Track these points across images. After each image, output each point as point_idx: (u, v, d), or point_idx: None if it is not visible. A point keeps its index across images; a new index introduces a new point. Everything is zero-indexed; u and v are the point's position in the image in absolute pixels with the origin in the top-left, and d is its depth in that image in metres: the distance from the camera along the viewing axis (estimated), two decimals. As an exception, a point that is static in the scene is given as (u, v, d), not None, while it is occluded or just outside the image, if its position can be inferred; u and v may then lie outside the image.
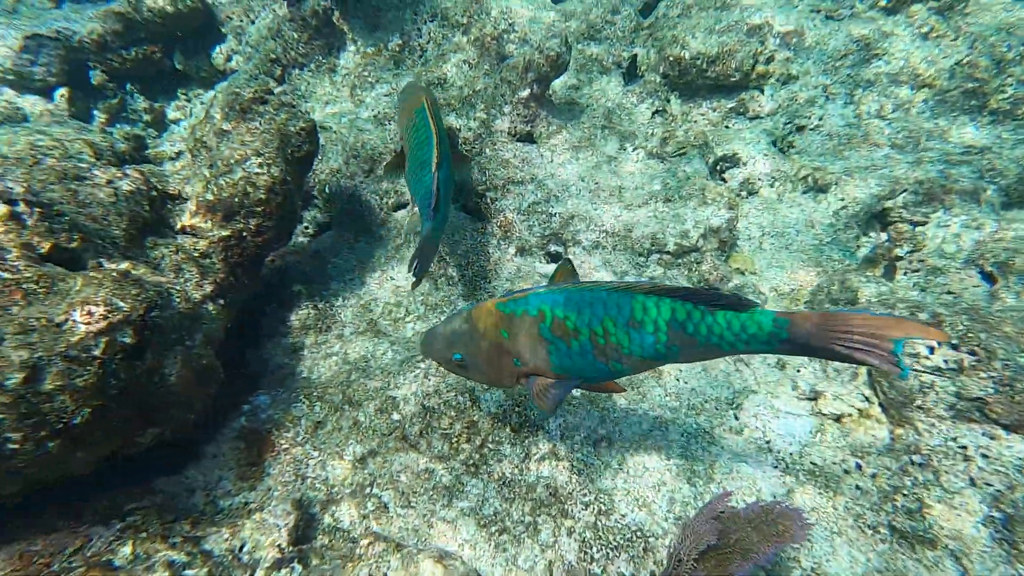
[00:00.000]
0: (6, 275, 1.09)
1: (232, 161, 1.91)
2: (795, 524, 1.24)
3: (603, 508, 1.51)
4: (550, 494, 1.56)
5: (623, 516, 1.48)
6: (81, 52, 2.71)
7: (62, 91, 2.71)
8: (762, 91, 2.77)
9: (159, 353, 1.34)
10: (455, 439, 1.73)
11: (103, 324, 1.16)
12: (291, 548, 1.49)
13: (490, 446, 1.71)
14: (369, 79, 3.09)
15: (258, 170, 1.94)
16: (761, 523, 1.29)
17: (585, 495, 1.55)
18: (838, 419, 1.68)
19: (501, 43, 3.02)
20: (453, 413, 1.78)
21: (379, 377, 1.92)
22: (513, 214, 2.65)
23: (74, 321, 1.13)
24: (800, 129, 2.63)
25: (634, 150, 2.79)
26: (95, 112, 2.91)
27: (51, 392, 1.06)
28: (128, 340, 1.22)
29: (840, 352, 1.10)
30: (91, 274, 1.23)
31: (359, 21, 3.13)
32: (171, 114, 3.20)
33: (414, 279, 1.87)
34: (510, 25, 3.07)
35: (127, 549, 1.29)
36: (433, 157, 1.86)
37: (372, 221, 2.84)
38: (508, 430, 1.73)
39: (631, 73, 3.10)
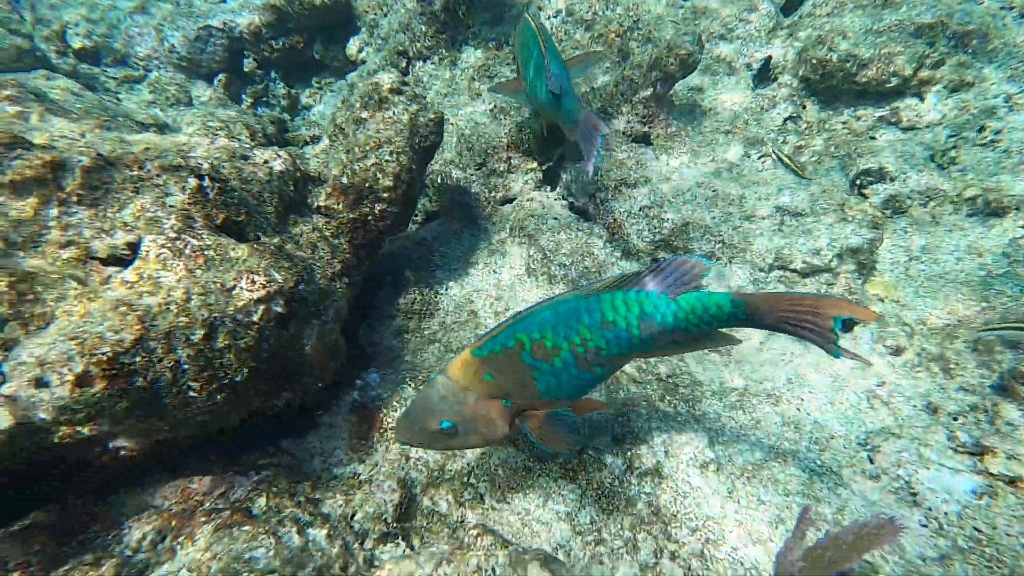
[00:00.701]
0: (194, 241, 1.23)
1: (367, 148, 2.03)
2: (889, 530, 1.12)
3: (711, 537, 1.44)
4: (652, 512, 1.51)
5: (735, 550, 1.40)
6: (240, 42, 3.01)
7: (221, 77, 3.03)
8: (922, 99, 2.48)
9: (300, 324, 1.46)
10: (555, 441, 1.72)
11: (262, 293, 1.28)
12: (395, 524, 1.57)
13: (590, 453, 1.69)
14: (488, 73, 3.15)
15: (388, 158, 2.04)
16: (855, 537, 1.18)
17: (691, 520, 1.49)
18: (1012, 482, 1.47)
19: (625, 40, 2.95)
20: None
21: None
22: (623, 216, 2.59)
23: (240, 288, 1.25)
24: (967, 143, 2.33)
25: (760, 158, 2.62)
26: (244, 96, 3.22)
27: (221, 349, 1.18)
28: (279, 309, 1.34)
29: (788, 328, 1.23)
30: (254, 246, 1.36)
31: (484, 15, 3.19)
32: (304, 100, 3.47)
33: (585, 168, 1.95)
34: (635, 22, 2.99)
35: (262, 500, 1.42)
36: (544, 57, 1.94)
37: (479, 214, 2.91)
38: (609, 439, 1.70)
39: (763, 75, 2.90)
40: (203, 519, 1.36)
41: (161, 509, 1.42)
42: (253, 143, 1.95)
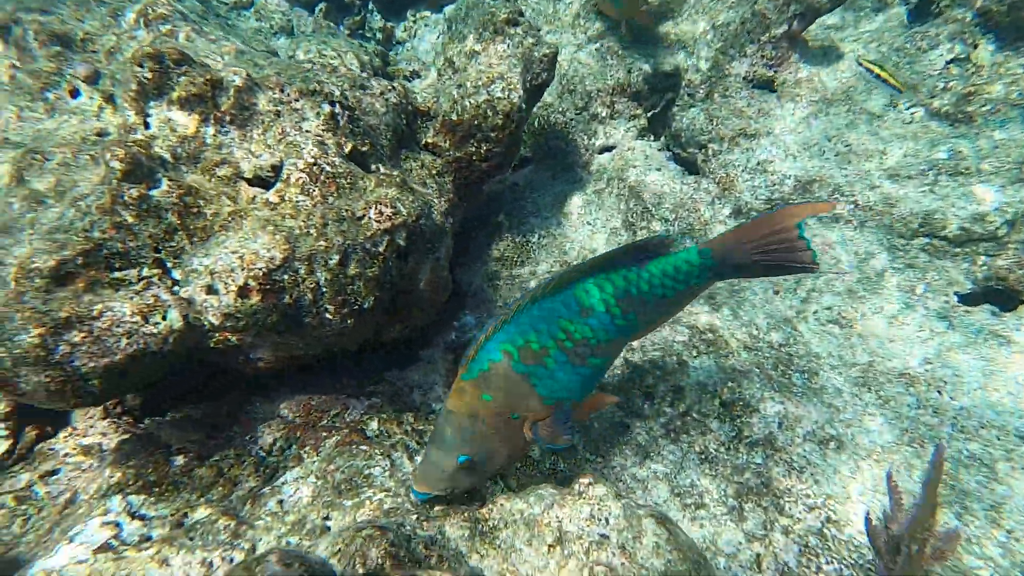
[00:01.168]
0: (328, 168, 1.27)
1: (479, 84, 1.99)
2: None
3: (833, 517, 1.39)
4: (762, 483, 1.48)
5: (863, 533, 1.35)
6: (341, -31, 3.00)
7: (322, 6, 3.05)
8: None
9: (417, 259, 1.49)
10: (657, 401, 1.71)
11: (388, 224, 1.31)
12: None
13: (694, 416, 1.66)
14: (594, 11, 2.97)
15: (500, 95, 1.99)
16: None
17: (809, 497, 1.44)
18: None
19: (758, -32, 2.65)
20: (658, 372, 1.75)
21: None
22: (737, 171, 2.43)
23: (369, 218, 1.29)
24: None
25: (910, 107, 2.33)
26: (341, 27, 3.24)
27: (353, 277, 1.24)
28: (402, 242, 1.37)
29: (764, 263, 1.20)
30: (380, 176, 1.39)
31: (596, -59, 2.97)
32: (399, 34, 3.44)
33: None
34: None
35: (375, 424, 1.52)
36: None
37: (575, 161, 2.82)
38: (717, 403, 1.66)
39: (922, 10, 2.54)
40: (324, 434, 1.48)
41: (287, 420, 1.56)
42: (362, 73, 1.96)
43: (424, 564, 0.88)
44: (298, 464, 1.40)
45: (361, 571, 0.79)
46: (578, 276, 1.23)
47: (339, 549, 0.90)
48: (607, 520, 1.07)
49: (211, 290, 1.07)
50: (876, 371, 1.73)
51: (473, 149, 2.00)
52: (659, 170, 2.64)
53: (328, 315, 1.19)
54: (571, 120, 2.87)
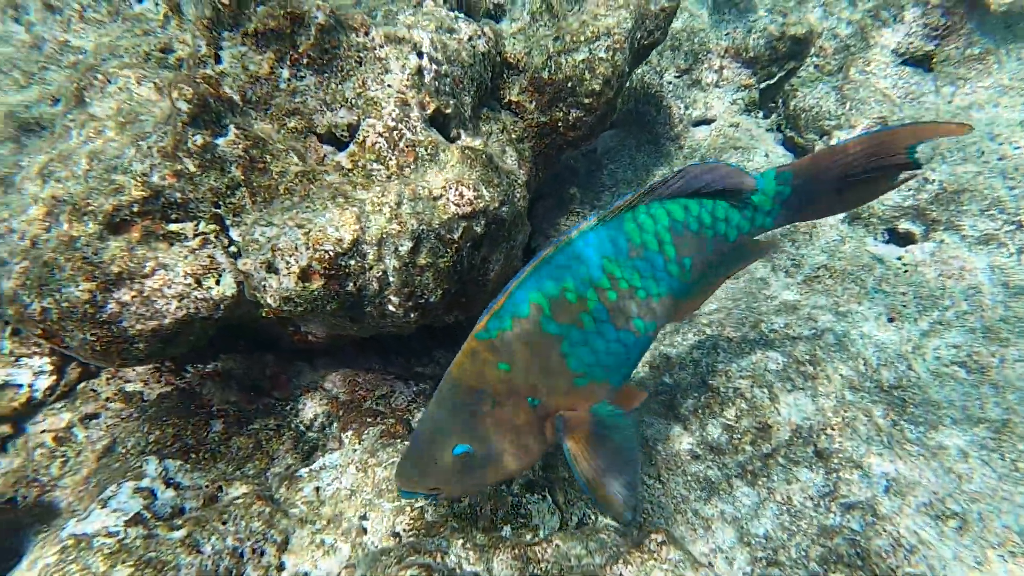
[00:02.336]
0: (408, 134, 1.16)
1: (580, 38, 1.79)
2: None
3: (942, 614, 1.26)
4: (856, 555, 1.35)
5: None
6: None
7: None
8: None
9: (491, 248, 1.38)
10: (738, 436, 1.58)
11: (468, 209, 1.20)
12: (540, 472, 1.58)
13: (780, 460, 1.52)
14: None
15: (603, 55, 1.80)
16: None
17: (915, 582, 1.30)
18: None
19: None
20: (744, 405, 1.61)
21: (669, 331, 1.82)
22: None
23: (448, 200, 1.18)
24: None
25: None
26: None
27: (423, 267, 1.15)
28: (479, 230, 1.26)
29: (852, 191, 1.06)
30: (465, 151, 1.26)
31: None
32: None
33: None
34: None
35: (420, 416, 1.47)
36: None
37: (663, 132, 2.60)
38: (811, 451, 1.51)
39: None
40: (368, 419, 1.44)
41: (330, 394, 1.54)
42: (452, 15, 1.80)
43: (473, 614, 0.82)
44: (338, 448, 1.37)
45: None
46: (632, 204, 1.01)
47: (382, 582, 0.85)
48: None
49: (271, 267, 1.00)
50: (1014, 434, 1.53)
51: (561, 115, 1.83)
52: (766, 156, 2.40)
53: (391, 307, 1.11)
54: (668, 83, 2.63)
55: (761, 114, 2.70)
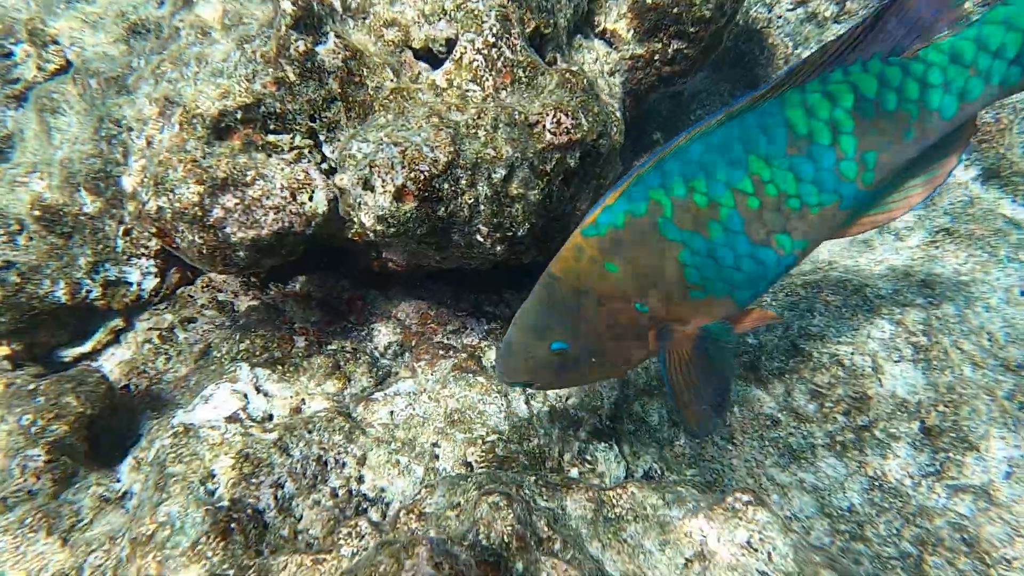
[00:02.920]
0: (508, 53, 1.10)
1: (696, -45, 1.62)
2: None
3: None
4: (961, 540, 1.26)
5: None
6: None
7: None
8: None
9: (581, 184, 1.32)
10: (829, 404, 1.49)
11: (564, 139, 1.14)
12: (608, 423, 1.57)
13: (878, 434, 1.43)
14: None
15: (719, -24, 1.62)
16: None
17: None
18: None
19: None
20: (840, 372, 1.51)
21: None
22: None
23: (544, 127, 1.12)
24: None
25: None
26: None
27: (514, 198, 1.11)
28: (572, 163, 1.20)
29: None
30: (565, 74, 1.19)
31: None
32: None
33: None
34: None
35: (492, 354, 1.48)
36: None
37: (765, 75, 2.37)
38: (916, 426, 1.41)
39: None
40: (441, 352, 1.47)
41: (403, 324, 1.57)
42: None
43: (546, 547, 0.83)
44: (411, 376, 1.41)
45: (485, 543, 0.75)
46: (803, 76, 0.79)
47: (459, 505, 0.87)
48: (770, 556, 0.94)
49: (367, 184, 1.00)
50: None
51: (660, 46, 1.69)
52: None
53: (479, 236, 1.09)
54: (778, 17, 2.37)
55: (891, 54, 2.40)
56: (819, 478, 1.44)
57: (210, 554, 0.84)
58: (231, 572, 0.82)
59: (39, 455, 0.99)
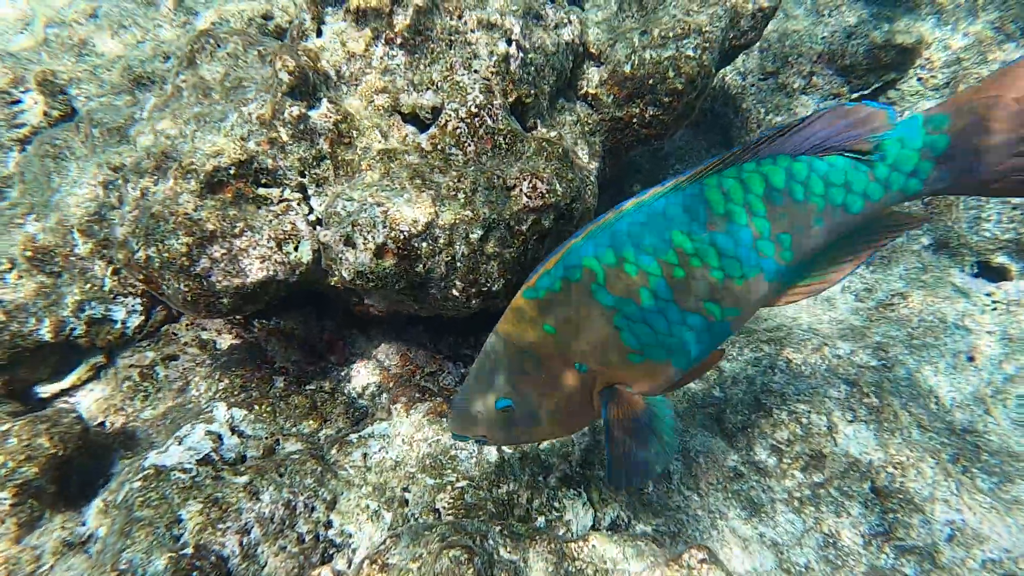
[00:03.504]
0: (489, 122, 1.16)
1: (669, 34, 1.73)
2: None
3: None
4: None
5: None
6: None
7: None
8: None
9: (555, 241, 1.38)
10: (788, 460, 1.53)
11: (539, 203, 1.20)
12: (578, 469, 1.58)
13: (832, 492, 1.46)
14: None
15: (691, 52, 1.73)
16: None
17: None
18: None
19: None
20: (798, 430, 1.55)
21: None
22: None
23: (521, 191, 1.18)
24: None
25: None
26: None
27: (489, 256, 1.16)
28: (548, 224, 1.26)
29: None
30: (542, 142, 1.26)
31: None
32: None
33: None
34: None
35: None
36: None
37: (739, 136, 2.50)
38: (867, 486, 1.44)
39: None
40: (417, 395, 1.48)
41: (383, 365, 1.59)
42: None
43: (507, 601, 0.84)
44: (387, 419, 1.42)
45: (445, 597, 0.76)
46: (720, 166, 0.85)
47: (421, 556, 0.88)
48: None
49: (349, 241, 1.04)
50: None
51: (637, 111, 1.78)
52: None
53: (455, 291, 1.13)
54: (751, 85, 2.51)
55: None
56: (778, 533, 1.46)
57: (170, 602, 0.83)
58: (190, 621, 0.82)
59: (5, 498, 0.97)
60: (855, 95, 2.46)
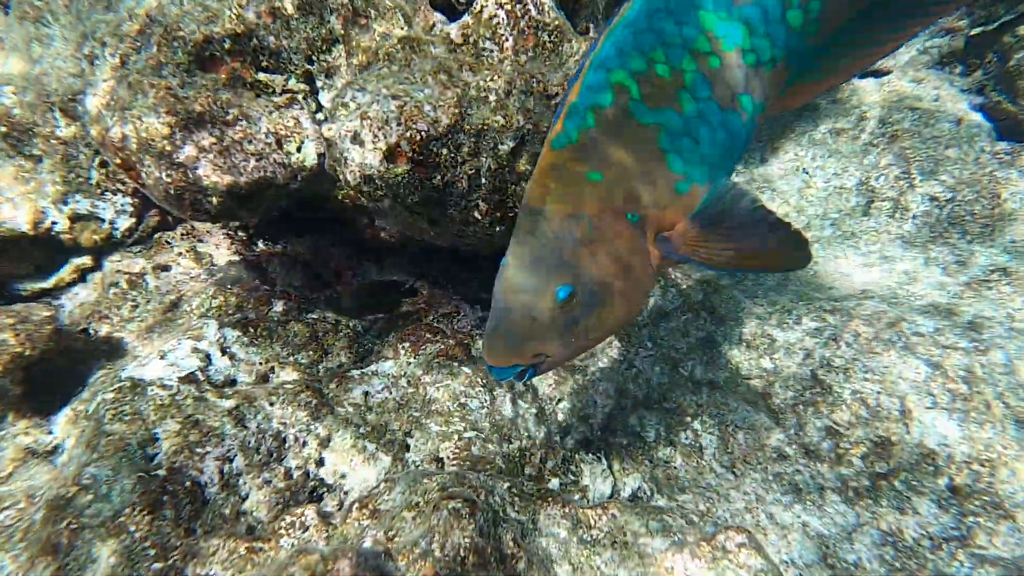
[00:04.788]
0: (534, 12, 1.02)
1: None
2: None
3: None
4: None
5: None
6: None
7: None
8: None
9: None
10: (846, 445, 1.41)
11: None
12: (599, 432, 1.52)
13: (896, 485, 1.35)
14: None
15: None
16: None
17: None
18: None
19: None
20: (863, 412, 1.43)
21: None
22: None
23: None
24: None
25: None
26: None
27: (520, 174, 1.04)
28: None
29: None
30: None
31: None
32: None
33: None
34: None
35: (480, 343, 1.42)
36: None
37: None
38: (943, 483, 1.32)
39: None
40: (428, 335, 1.41)
41: (391, 300, 1.52)
42: None
43: (509, 566, 0.78)
44: (394, 358, 1.35)
45: (438, 553, 0.69)
46: None
47: (417, 505, 0.82)
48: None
49: (356, 138, 0.94)
50: None
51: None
52: (950, 122, 2.03)
53: (477, 213, 1.02)
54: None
55: (959, 69, 2.29)
56: (825, 524, 1.37)
57: (132, 528, 0.79)
58: (152, 551, 0.78)
59: None
60: (975, 30, 2.19)
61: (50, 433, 1.03)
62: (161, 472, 0.89)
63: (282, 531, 0.83)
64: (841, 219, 2.00)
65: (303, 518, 0.85)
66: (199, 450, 0.95)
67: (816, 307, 1.70)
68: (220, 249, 1.52)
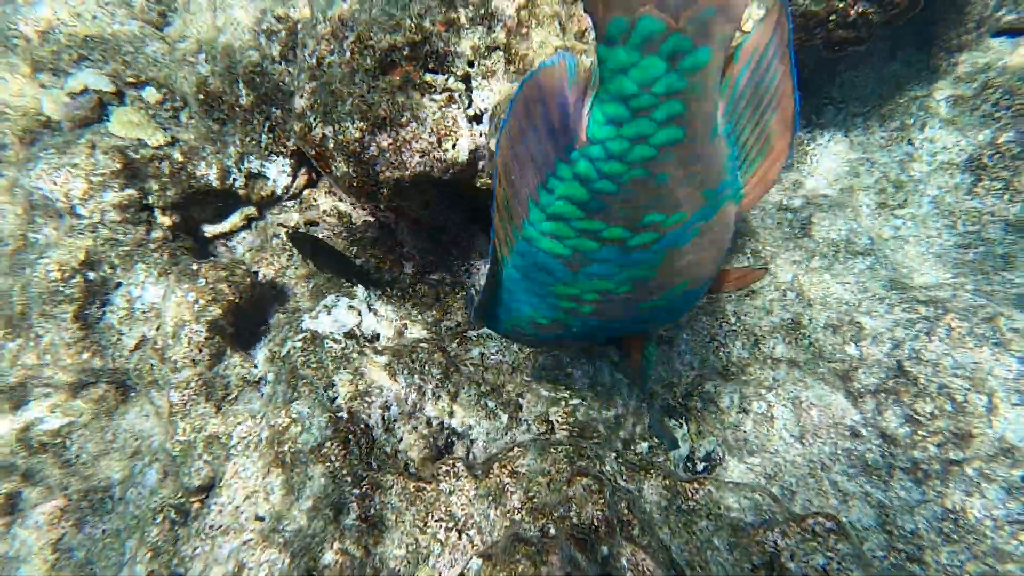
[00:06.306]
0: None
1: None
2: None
3: None
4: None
5: None
6: None
7: None
8: None
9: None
10: (924, 433, 1.46)
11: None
12: (681, 400, 1.61)
13: (969, 471, 1.41)
14: None
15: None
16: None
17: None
18: None
19: None
20: (947, 406, 1.46)
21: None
22: None
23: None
24: None
25: None
26: None
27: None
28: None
29: None
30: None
31: None
32: None
33: None
34: None
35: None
36: None
37: (942, 37, 2.04)
38: (1017, 475, 1.36)
39: None
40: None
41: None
42: None
43: (626, 531, 0.91)
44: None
45: (576, 521, 0.84)
46: None
47: (548, 473, 0.96)
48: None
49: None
50: None
51: (842, 5, 1.50)
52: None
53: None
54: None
55: None
56: (889, 497, 1.44)
57: (333, 458, 0.98)
58: (348, 479, 0.96)
59: (201, 330, 1.16)
60: None
61: (256, 367, 1.23)
62: (343, 414, 1.07)
63: (440, 477, 1.00)
64: (941, 196, 1.86)
65: (455, 468, 1.01)
66: (367, 398, 1.12)
67: (909, 297, 1.68)
68: (356, 209, 1.64)
